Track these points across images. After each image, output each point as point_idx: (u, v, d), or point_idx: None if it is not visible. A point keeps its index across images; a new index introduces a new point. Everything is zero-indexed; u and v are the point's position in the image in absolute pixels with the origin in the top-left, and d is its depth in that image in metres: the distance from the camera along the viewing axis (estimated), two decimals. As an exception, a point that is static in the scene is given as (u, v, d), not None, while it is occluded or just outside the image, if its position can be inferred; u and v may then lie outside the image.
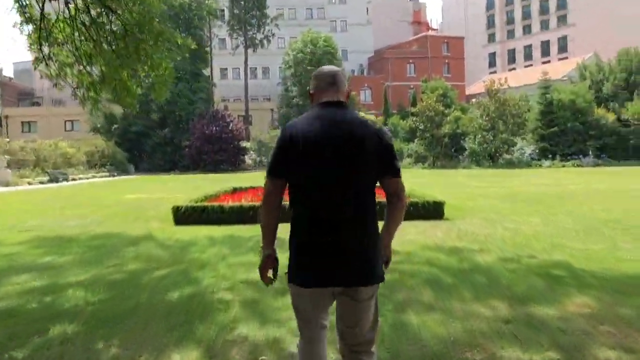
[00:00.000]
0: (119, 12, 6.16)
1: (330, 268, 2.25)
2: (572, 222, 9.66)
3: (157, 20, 6.43)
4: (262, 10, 53.65)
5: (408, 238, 7.98)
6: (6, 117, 56.81)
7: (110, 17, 6.23)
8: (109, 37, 6.24)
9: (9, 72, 75.55)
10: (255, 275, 2.71)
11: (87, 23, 6.25)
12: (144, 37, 6.22)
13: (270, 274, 2.42)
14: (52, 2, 6.31)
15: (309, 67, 49.61)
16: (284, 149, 2.29)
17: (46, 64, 6.52)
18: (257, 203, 10.64)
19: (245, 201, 11.43)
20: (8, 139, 37.68)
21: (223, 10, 56.10)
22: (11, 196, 20.07)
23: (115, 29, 6.38)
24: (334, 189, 2.25)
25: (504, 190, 17.72)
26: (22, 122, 56.47)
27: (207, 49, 51.69)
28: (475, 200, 14.32)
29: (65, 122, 55.80)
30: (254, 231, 9.09)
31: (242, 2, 53.04)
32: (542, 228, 9.04)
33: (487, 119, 40.86)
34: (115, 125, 48.58)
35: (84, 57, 6.44)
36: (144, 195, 18.36)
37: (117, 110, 49.80)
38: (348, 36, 68.25)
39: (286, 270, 2.37)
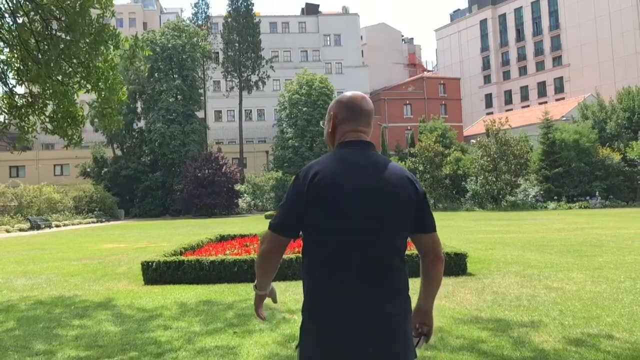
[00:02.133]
0: (52, 8, 4.58)
1: (360, 350, 1.71)
2: (626, 278, 7.95)
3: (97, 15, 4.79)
4: (257, 53, 53.03)
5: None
6: (-6, 161, 55.20)
7: (35, 15, 4.65)
8: (29, 41, 4.63)
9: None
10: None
11: (9, 26, 4.67)
12: (75, 36, 4.58)
13: (264, 308, 2.03)
14: None
15: (304, 109, 48.61)
16: (297, 197, 1.81)
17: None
18: (243, 257, 8.94)
19: (231, 253, 9.74)
20: (-12, 184, 36.01)
21: (217, 53, 55.55)
22: (-23, 246, 18.21)
23: (38, 27, 4.77)
24: (362, 250, 1.77)
25: (522, 236, 16.02)
26: (10, 167, 54.79)
27: (201, 91, 50.83)
28: (494, 249, 12.59)
29: (54, 166, 54.25)
30: (237, 293, 7.38)
31: (237, 45, 52.47)
32: (594, 287, 7.30)
33: (488, 159, 39.51)
34: (105, 169, 47.00)
35: (11, 71, 4.85)
36: (122, 245, 16.56)
37: (109, 153, 48.48)
38: (343, 78, 67.64)
39: (296, 343, 1.85)
